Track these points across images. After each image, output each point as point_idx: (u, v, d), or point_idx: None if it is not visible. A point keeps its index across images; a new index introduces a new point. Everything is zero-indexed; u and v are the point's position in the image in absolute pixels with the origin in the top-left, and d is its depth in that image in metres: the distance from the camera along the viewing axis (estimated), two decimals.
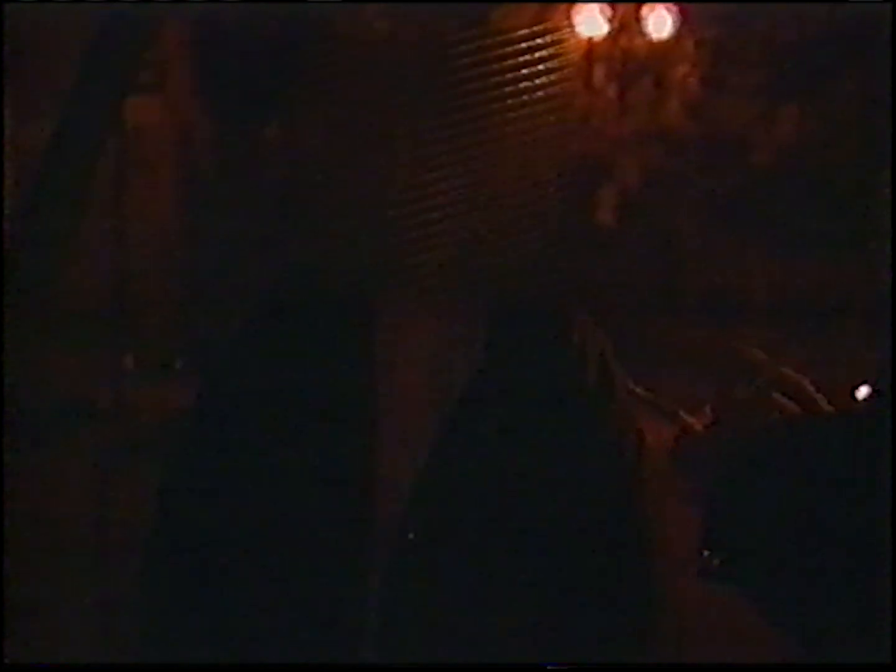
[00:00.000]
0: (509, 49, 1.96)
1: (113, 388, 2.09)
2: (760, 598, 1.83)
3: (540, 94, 1.99)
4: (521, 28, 1.97)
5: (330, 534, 2.03)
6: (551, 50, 1.99)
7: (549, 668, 2.01)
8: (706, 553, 1.83)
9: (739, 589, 1.84)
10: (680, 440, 1.91)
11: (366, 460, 2.03)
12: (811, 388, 1.88)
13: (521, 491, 2.02)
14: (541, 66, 1.99)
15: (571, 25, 2.16)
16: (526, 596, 2.03)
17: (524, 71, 1.97)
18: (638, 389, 2.10)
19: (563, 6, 2.06)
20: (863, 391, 1.93)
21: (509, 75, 1.96)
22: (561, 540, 2.03)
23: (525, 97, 1.98)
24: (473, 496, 2.03)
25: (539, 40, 1.98)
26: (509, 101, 1.97)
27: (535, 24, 1.99)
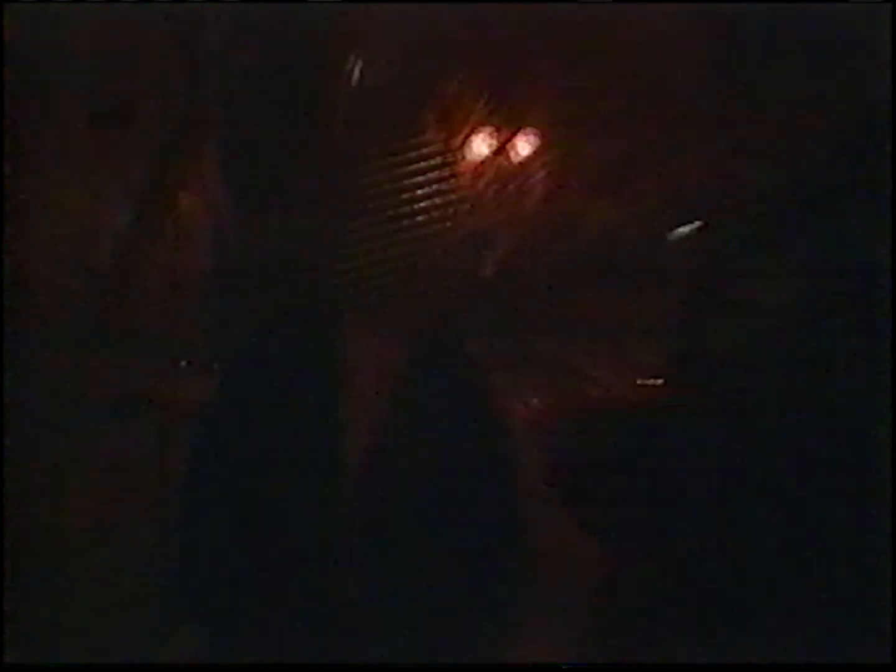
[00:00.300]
0: (427, 163, 2.42)
1: (170, 383, 2.37)
2: (585, 518, 2.18)
3: (444, 193, 2.45)
4: (435, 152, 2.43)
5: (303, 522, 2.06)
6: (452, 166, 2.49)
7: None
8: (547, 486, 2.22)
9: (570, 511, 2.21)
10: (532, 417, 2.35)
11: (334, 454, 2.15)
12: (610, 381, 2.34)
13: (432, 460, 2.17)
14: (445, 175, 2.46)
15: (464, 149, 2.58)
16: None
17: (435, 174, 2.41)
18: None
19: (460, 138, 2.49)
20: (647, 382, 2.36)
21: (426, 177, 2.40)
22: (461, 489, 2.16)
23: (435, 197, 2.43)
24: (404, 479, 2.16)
25: (445, 159, 2.46)
26: (425, 200, 2.40)
27: (441, 150, 2.47)
